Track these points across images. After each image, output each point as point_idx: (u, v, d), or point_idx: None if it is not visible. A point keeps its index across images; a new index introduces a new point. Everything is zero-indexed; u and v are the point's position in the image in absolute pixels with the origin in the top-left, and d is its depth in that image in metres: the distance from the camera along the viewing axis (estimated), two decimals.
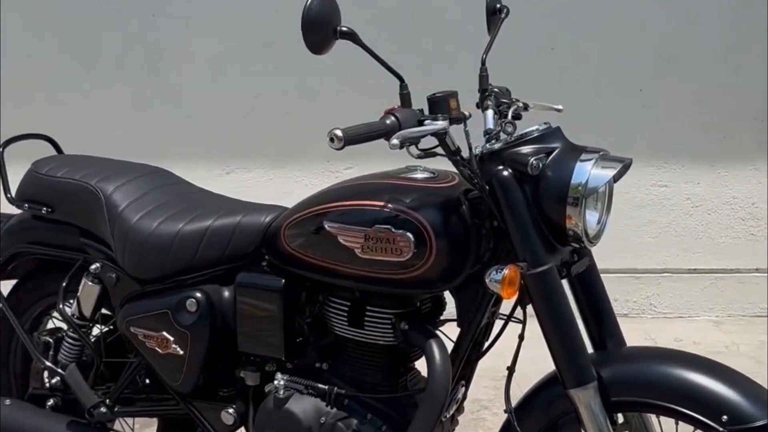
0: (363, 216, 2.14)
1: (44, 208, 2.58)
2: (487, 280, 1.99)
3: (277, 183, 4.44)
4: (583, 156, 2.00)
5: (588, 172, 1.97)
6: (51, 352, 2.66)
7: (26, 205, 2.62)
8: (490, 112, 2.21)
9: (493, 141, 2.09)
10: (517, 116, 2.26)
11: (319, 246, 2.21)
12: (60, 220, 2.59)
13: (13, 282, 2.81)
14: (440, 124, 2.00)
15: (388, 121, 1.97)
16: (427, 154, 2.03)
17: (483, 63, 2.28)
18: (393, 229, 2.10)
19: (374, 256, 2.13)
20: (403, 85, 2.06)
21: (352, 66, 4.29)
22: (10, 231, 2.69)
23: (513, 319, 2.23)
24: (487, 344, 2.29)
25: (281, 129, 4.42)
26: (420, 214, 2.09)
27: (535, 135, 2.05)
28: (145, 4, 4.30)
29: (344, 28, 1.97)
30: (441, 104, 2.05)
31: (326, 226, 2.18)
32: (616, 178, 2.08)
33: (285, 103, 4.40)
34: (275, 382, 2.29)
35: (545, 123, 2.09)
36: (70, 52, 4.32)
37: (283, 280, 2.29)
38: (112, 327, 2.66)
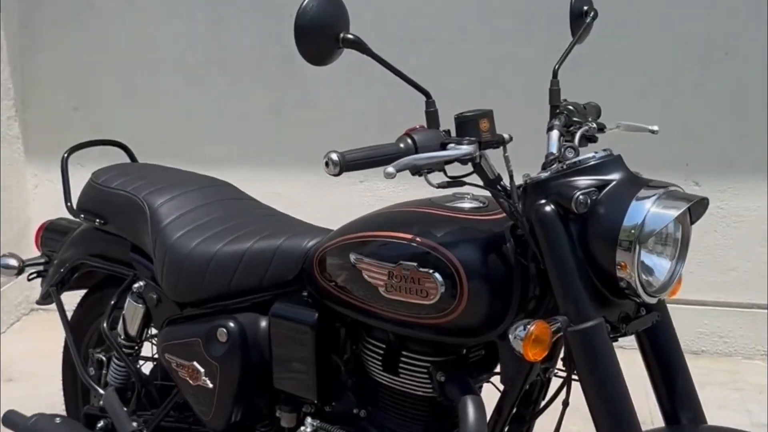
0: (388, 250, 1.86)
1: (98, 220, 2.46)
2: (510, 337, 1.65)
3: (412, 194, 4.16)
4: (642, 192, 1.63)
5: (645, 211, 1.61)
6: (104, 371, 2.53)
7: (82, 215, 2.50)
8: (554, 134, 1.88)
9: (548, 169, 1.76)
10: (591, 138, 1.92)
11: (347, 280, 1.95)
12: (113, 233, 2.45)
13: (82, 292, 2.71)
14: (464, 149, 1.68)
15: (402, 145, 1.68)
16: (451, 183, 1.72)
17: (555, 75, 1.96)
18: (419, 268, 1.80)
19: (398, 297, 1.84)
20: (429, 102, 1.75)
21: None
22: (74, 241, 2.59)
23: (574, 379, 1.88)
24: (543, 403, 1.94)
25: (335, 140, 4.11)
26: (451, 251, 1.78)
27: (591, 163, 1.70)
28: (279, 3, 4.15)
29: (349, 36, 1.68)
30: (470, 125, 1.73)
31: (351, 259, 1.91)
32: (693, 219, 1.70)
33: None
34: (302, 428, 2.06)
35: (605, 150, 1.73)
36: (206, 54, 4.23)
37: (317, 314, 2.04)
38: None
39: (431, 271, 1.79)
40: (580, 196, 1.65)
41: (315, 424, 2.07)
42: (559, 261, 1.66)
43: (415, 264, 1.81)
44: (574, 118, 1.92)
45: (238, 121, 4.25)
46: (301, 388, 2.09)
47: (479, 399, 1.85)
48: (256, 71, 4.18)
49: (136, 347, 2.45)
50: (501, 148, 1.78)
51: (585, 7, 2.04)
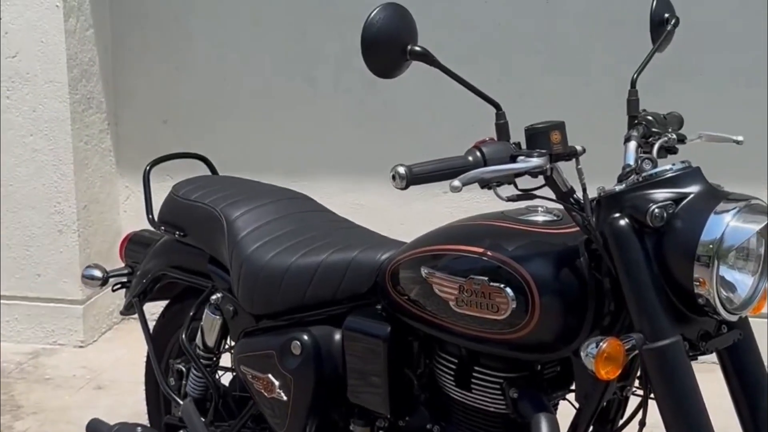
0: (459, 264, 1.84)
1: (178, 232, 2.49)
2: (582, 354, 1.60)
3: (492, 205, 4.12)
4: (722, 206, 1.57)
5: (725, 225, 1.55)
6: (183, 381, 2.56)
7: (162, 227, 2.53)
8: (632, 145, 1.83)
9: (624, 182, 1.71)
10: (670, 150, 1.86)
11: (419, 293, 1.94)
12: (192, 245, 2.48)
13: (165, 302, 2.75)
14: (534, 161, 1.65)
15: (470, 158, 1.66)
16: (521, 196, 1.68)
17: (633, 85, 1.91)
18: (489, 282, 1.77)
19: (469, 311, 1.82)
20: (499, 114, 1.73)
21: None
22: (156, 252, 2.63)
23: (651, 398, 1.82)
24: (621, 422, 1.88)
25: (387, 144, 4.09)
26: (522, 265, 1.75)
27: (668, 176, 1.65)
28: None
29: (417, 48, 1.67)
30: (540, 137, 1.69)
31: (423, 273, 1.89)
32: None
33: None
34: None
35: (684, 161, 1.67)
36: (292, 62, 4.26)
37: (389, 328, 2.03)
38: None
39: (502, 285, 1.76)
40: (656, 210, 1.60)
41: None
42: (634, 276, 1.61)
43: (485, 278, 1.78)
44: (653, 129, 1.87)
45: (319, 132, 4.27)
46: (375, 402, 2.07)
47: (553, 417, 1.81)
48: (338, 82, 4.20)
49: (214, 358, 2.47)
50: (574, 160, 1.74)
51: (666, 15, 1.98)
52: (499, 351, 1.85)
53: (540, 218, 1.86)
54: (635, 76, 1.90)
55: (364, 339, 2.06)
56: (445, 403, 2.03)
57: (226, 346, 2.47)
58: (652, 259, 1.61)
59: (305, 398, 2.14)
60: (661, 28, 1.98)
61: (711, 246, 1.54)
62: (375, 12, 1.65)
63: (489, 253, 1.79)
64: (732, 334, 1.70)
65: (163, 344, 2.67)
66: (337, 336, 2.13)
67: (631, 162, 1.79)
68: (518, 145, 1.72)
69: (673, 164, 1.66)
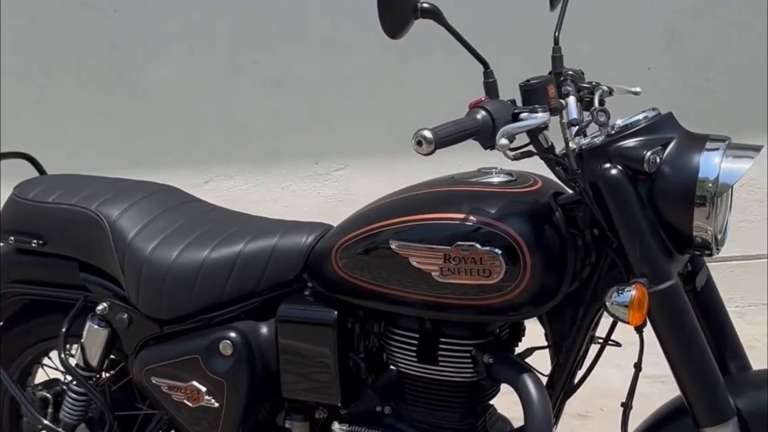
0: (440, 232, 1.80)
1: (34, 241, 2.18)
2: (607, 304, 1.65)
3: (262, 190, 4.05)
4: (709, 145, 1.68)
5: (718, 165, 1.65)
6: (50, 410, 2.26)
7: (11, 238, 2.20)
8: (572, 100, 1.89)
9: (585, 135, 1.77)
10: (601, 102, 1.94)
11: (384, 270, 1.86)
12: (54, 254, 2.19)
13: None
14: (541, 116, 1.67)
15: (478, 116, 1.65)
16: (524, 153, 1.70)
17: (556, 42, 1.95)
18: (479, 246, 1.76)
19: (456, 280, 1.79)
20: (488, 72, 1.74)
21: (337, 58, 3.96)
22: None
23: (610, 343, 1.91)
24: (580, 375, 1.96)
25: (263, 130, 4.03)
26: (509, 225, 1.75)
27: (644, 125, 1.72)
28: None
29: (425, 5, 1.63)
30: (538, 93, 1.72)
31: (393, 246, 1.83)
32: None
33: (266, 102, 4.00)
34: None
35: (653, 108, 1.76)
36: (24, 53, 3.87)
37: (336, 312, 1.93)
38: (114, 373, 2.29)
39: (492, 248, 1.75)
40: (650, 155, 1.67)
41: (344, 427, 1.97)
42: (633, 223, 1.68)
43: (473, 243, 1.76)
44: (581, 84, 1.95)
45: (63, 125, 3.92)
46: (320, 393, 1.98)
47: (536, 375, 1.84)
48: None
49: (98, 376, 2.20)
50: (559, 115, 1.77)
51: None
52: (480, 318, 1.85)
53: (495, 179, 1.88)
54: (556, 33, 1.95)
55: (306, 328, 1.96)
56: (396, 381, 1.99)
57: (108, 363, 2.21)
58: (646, 204, 1.69)
59: (240, 401, 2.00)
60: None
61: (710, 185, 1.64)
62: None
63: (471, 217, 1.77)
64: (704, 271, 1.84)
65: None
66: (265, 329, 2.02)
67: (576, 116, 1.87)
68: (513, 102, 1.73)
69: (646, 113, 1.74)
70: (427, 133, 1.56)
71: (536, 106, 1.69)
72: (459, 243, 1.77)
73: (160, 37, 3.93)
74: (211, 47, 3.96)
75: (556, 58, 1.95)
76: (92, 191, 2.19)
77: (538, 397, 1.80)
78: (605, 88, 1.94)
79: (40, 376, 2.44)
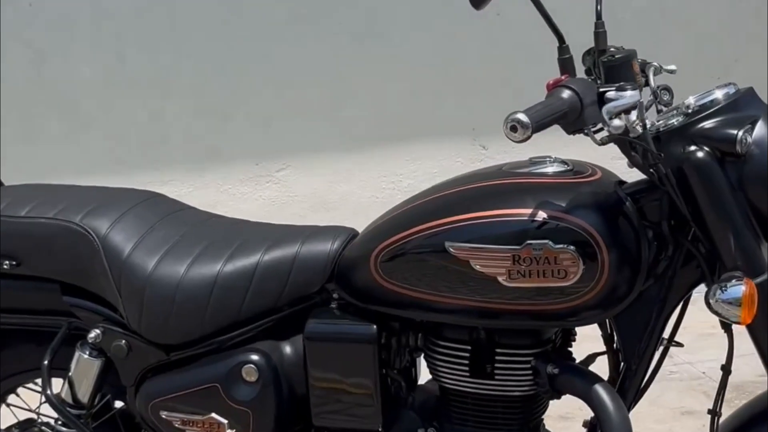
0: (506, 230, 1.62)
1: (6, 262, 1.88)
2: (711, 302, 1.50)
3: (199, 195, 3.77)
4: None
5: None
6: None
7: None
8: None
9: (659, 118, 1.62)
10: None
11: (437, 276, 1.67)
12: (29, 276, 1.90)
13: None
14: (632, 94, 1.52)
15: (564, 95, 1.48)
16: (610, 139, 1.53)
17: (599, 17, 1.78)
18: (552, 244, 1.58)
19: (526, 284, 1.61)
20: (563, 48, 1.58)
21: (276, 53, 3.73)
22: None
23: (674, 344, 1.77)
24: (645, 379, 1.80)
25: (197, 130, 3.76)
26: (583, 219, 1.59)
27: (724, 102, 1.58)
28: None
29: None
30: (623, 68, 1.57)
31: (451, 249, 1.63)
32: None
33: (200, 100, 3.73)
34: None
35: (731, 84, 1.62)
36: None
37: (375, 326, 1.73)
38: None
39: (567, 245, 1.58)
40: (742, 135, 1.53)
41: None
42: (726, 210, 1.54)
43: (546, 241, 1.58)
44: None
45: None
46: (358, 418, 1.77)
47: (608, 385, 1.68)
48: None
49: (87, 413, 1.91)
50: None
51: None
52: (545, 324, 1.68)
53: (550, 169, 1.71)
54: (598, 7, 1.79)
55: (342, 345, 1.75)
56: (439, 399, 1.80)
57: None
58: (736, 189, 1.55)
59: (267, 431, 1.77)
60: None
61: None
62: None
63: (540, 212, 1.60)
64: None
65: None
66: (289, 349, 1.81)
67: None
68: (594, 80, 1.58)
69: (727, 89, 1.60)
70: (523, 117, 1.39)
71: (623, 83, 1.52)
72: (529, 242, 1.59)
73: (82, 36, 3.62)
74: (138, 43, 3.67)
75: (599, 34, 1.79)
76: (71, 202, 1.91)
77: (615, 409, 1.64)
78: (656, 65, 1.78)
79: (5, 417, 2.13)
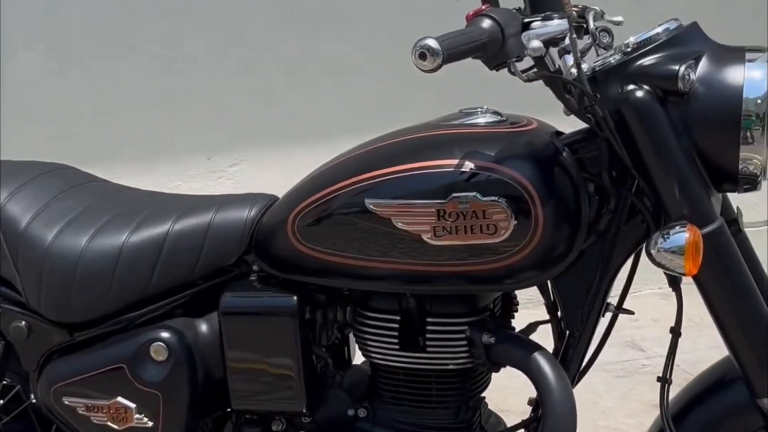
0: (429, 183, 1.48)
1: None
2: (653, 252, 1.36)
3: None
4: (749, 57, 1.41)
5: (765, 80, 1.38)
6: None
7: None
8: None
9: (596, 59, 1.49)
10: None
11: (359, 237, 1.53)
12: None
13: None
14: (558, 23, 1.40)
15: (484, 25, 1.36)
16: (537, 75, 1.40)
17: None
18: (480, 196, 1.44)
19: (453, 241, 1.47)
20: None
21: (230, 42, 3.59)
22: None
23: (622, 311, 1.63)
24: (591, 349, 1.65)
25: (145, 124, 3.60)
26: (514, 170, 1.45)
27: (665, 38, 1.44)
28: None
29: None
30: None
31: (370, 206, 1.49)
32: None
33: (147, 92, 3.58)
34: None
35: (674, 19, 1.48)
36: None
37: (295, 297, 1.59)
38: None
39: (497, 198, 1.44)
40: (684, 70, 1.39)
41: None
42: (669, 155, 1.41)
43: (473, 194, 1.45)
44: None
45: None
46: (279, 400, 1.64)
47: (549, 354, 1.54)
48: None
49: None
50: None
51: None
52: (477, 288, 1.54)
53: (482, 120, 1.57)
54: None
55: (260, 320, 1.62)
56: (370, 377, 1.67)
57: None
58: (680, 132, 1.41)
59: (179, 417, 1.66)
60: None
61: (759, 103, 1.37)
62: None
63: (467, 162, 1.46)
64: (740, 213, 1.57)
65: None
66: (205, 326, 1.68)
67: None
68: (519, 10, 1.46)
69: (668, 24, 1.48)
70: (432, 43, 1.27)
71: (550, 12, 1.39)
72: (455, 195, 1.45)
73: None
74: (83, 31, 3.52)
75: None
76: None
77: (557, 380, 1.50)
78: (597, 9, 1.65)
79: None
